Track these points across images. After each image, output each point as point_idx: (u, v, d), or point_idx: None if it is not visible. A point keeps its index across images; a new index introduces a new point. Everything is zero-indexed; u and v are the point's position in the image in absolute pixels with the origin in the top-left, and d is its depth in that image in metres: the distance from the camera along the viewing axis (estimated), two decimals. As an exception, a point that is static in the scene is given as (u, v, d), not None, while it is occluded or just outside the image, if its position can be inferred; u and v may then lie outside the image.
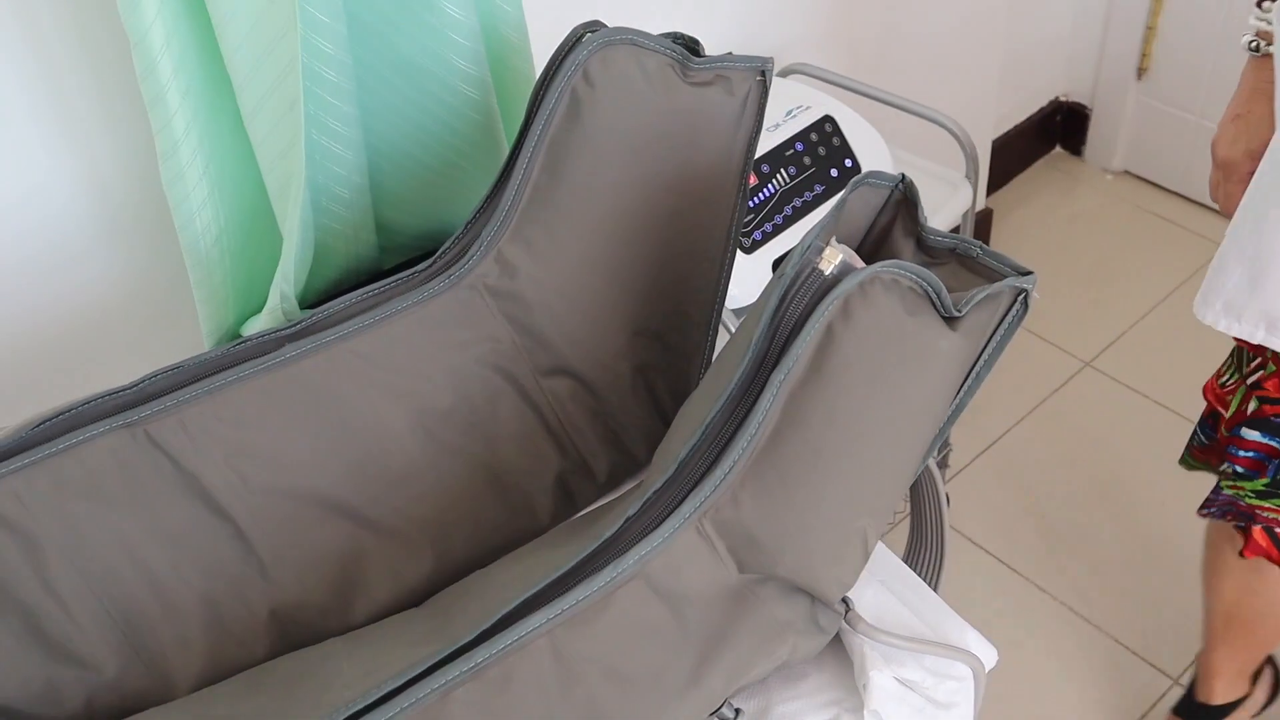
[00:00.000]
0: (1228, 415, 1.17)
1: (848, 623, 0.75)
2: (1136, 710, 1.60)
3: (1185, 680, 1.62)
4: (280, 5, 0.83)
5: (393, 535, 0.81)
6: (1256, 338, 0.99)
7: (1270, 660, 1.53)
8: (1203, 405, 1.24)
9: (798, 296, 0.67)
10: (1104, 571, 1.76)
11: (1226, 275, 0.98)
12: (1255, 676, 1.50)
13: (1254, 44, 1.08)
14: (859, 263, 0.68)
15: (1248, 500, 1.18)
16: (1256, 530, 1.22)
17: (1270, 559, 1.23)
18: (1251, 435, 1.13)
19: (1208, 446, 1.26)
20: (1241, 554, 1.24)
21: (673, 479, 0.69)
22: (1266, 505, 1.16)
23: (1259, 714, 1.54)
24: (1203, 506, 1.25)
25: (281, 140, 0.90)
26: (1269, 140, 0.95)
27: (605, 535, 0.69)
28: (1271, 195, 0.94)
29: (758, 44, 1.57)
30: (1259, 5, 1.08)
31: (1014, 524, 1.83)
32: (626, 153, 0.82)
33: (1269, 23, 1.06)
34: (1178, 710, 1.54)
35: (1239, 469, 1.15)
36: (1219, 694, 1.48)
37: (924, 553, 1.22)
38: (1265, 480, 1.14)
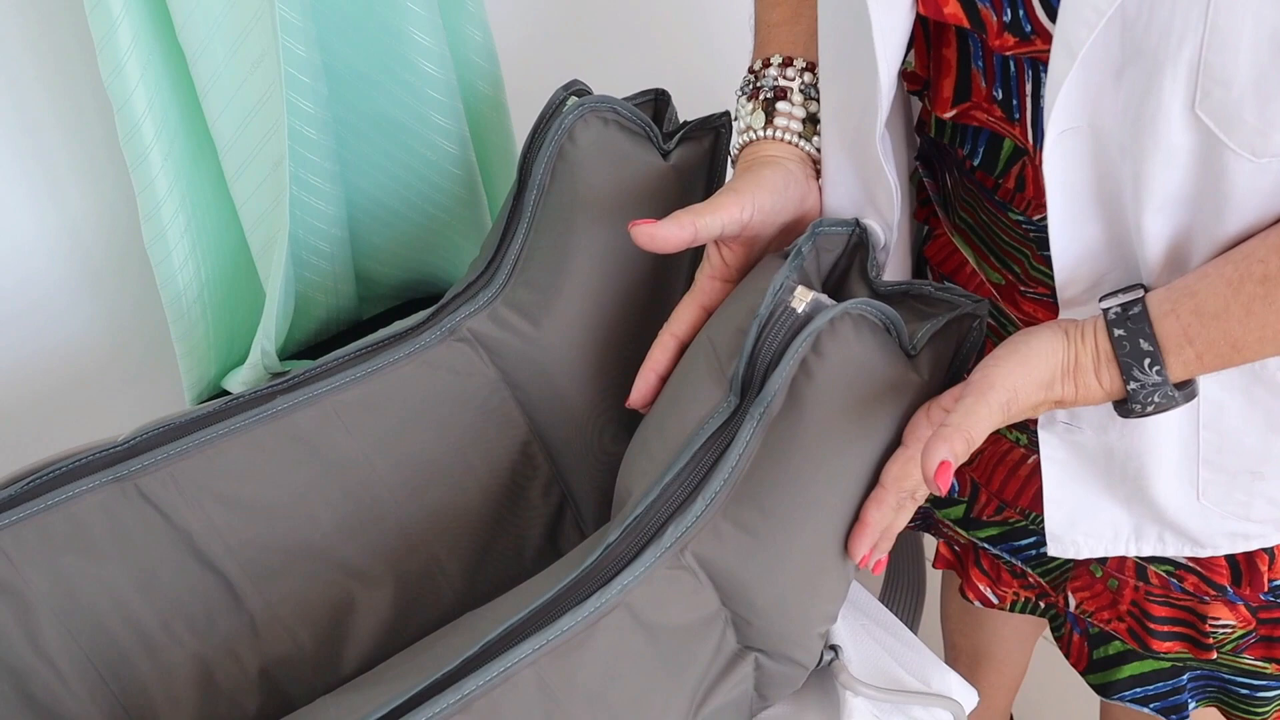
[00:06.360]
0: None
1: (831, 671, 0.77)
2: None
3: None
4: (264, 69, 0.85)
5: (384, 586, 0.81)
6: None
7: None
8: None
9: (772, 334, 0.70)
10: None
11: None
12: None
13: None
14: (829, 302, 0.71)
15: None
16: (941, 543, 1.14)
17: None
18: None
19: None
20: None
21: (655, 503, 0.71)
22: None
23: None
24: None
25: (265, 199, 0.91)
26: None
27: (586, 563, 0.70)
28: None
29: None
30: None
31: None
32: (615, 212, 0.84)
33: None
34: None
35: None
36: None
37: (901, 587, 1.23)
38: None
